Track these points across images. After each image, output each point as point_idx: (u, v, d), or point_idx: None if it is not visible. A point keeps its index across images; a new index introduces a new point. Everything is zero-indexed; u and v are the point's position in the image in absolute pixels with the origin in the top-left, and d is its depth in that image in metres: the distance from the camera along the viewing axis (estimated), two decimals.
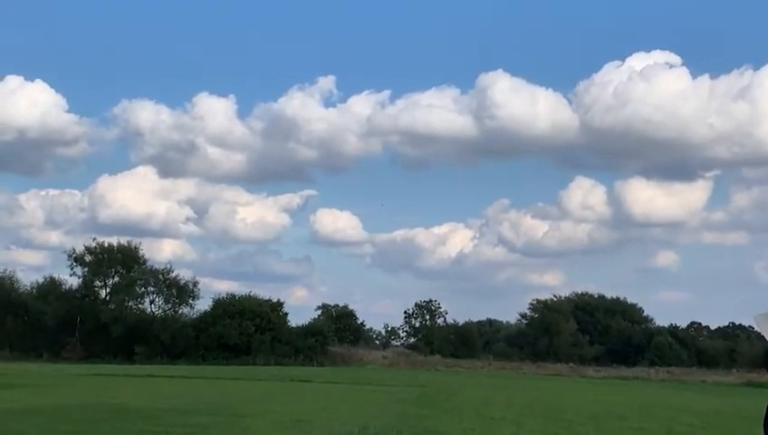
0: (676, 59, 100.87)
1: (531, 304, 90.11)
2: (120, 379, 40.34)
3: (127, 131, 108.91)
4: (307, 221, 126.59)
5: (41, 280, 76.27)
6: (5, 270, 76.84)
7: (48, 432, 16.35)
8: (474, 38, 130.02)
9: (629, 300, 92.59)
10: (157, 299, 75.69)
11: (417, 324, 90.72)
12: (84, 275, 74.69)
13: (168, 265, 77.60)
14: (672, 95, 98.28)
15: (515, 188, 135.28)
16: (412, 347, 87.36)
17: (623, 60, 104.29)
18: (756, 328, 2.30)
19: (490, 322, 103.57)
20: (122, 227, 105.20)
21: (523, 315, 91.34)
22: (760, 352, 73.65)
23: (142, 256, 77.17)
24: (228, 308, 73.36)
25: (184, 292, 75.36)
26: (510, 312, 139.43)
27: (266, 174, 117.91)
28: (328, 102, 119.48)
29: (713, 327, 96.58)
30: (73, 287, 74.95)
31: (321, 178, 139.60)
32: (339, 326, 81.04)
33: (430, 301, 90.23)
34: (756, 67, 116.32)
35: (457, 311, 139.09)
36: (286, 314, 77.33)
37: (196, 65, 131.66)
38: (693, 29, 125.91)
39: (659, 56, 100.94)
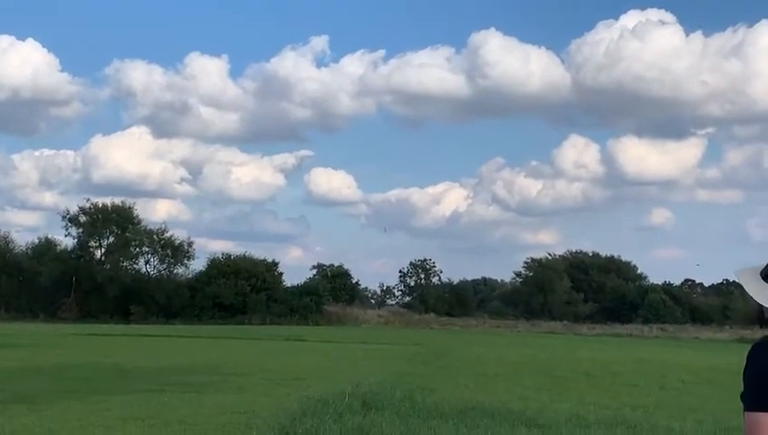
0: (669, 17, 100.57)
1: (525, 262, 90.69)
2: (115, 338, 40.50)
3: (120, 91, 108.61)
4: (302, 181, 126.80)
5: (36, 241, 76.62)
6: (0, 231, 77.07)
7: (46, 391, 16.43)
8: None
9: (623, 258, 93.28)
10: (152, 259, 75.94)
11: (412, 283, 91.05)
12: (79, 236, 74.83)
13: (163, 226, 77.91)
14: (665, 53, 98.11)
15: (509, 147, 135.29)
16: (407, 306, 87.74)
17: (617, 18, 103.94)
18: (742, 284, 2.30)
19: (485, 280, 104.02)
20: (116, 188, 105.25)
21: (518, 274, 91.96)
22: (753, 308, 74.07)
23: (137, 217, 77.35)
24: (223, 268, 73.56)
25: (179, 252, 75.50)
26: (504, 270, 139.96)
27: (260, 134, 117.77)
28: (321, 62, 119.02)
29: (706, 284, 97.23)
30: (68, 248, 75.18)
31: (316, 137, 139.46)
32: (334, 286, 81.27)
33: (425, 260, 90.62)
34: (750, 24, 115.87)
35: (452, 270, 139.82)
36: (281, 273, 77.84)
37: (187, 25, 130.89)
38: None
39: (653, 14, 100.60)
